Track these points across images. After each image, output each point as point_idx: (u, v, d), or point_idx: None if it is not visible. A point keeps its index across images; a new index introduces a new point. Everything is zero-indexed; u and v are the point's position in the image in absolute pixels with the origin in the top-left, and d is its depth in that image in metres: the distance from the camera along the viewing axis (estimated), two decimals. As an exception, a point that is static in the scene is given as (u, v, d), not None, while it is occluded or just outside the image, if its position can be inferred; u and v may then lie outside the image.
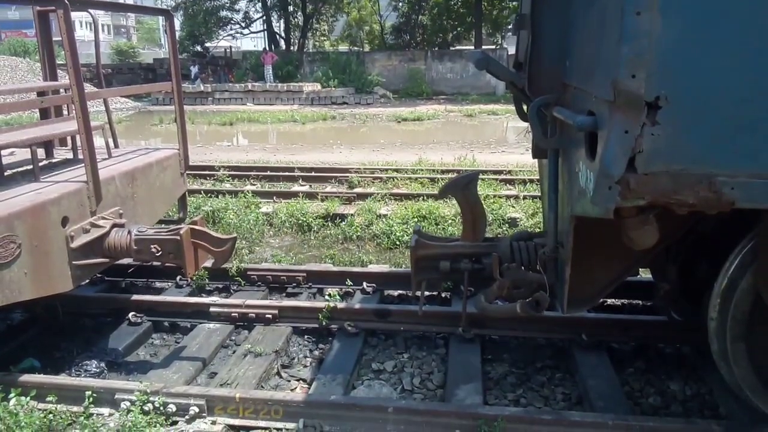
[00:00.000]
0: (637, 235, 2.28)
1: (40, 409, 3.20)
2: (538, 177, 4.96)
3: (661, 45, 1.87)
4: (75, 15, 4.08)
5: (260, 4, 35.07)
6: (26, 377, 3.44)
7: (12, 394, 3.19)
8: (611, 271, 2.90)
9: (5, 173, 3.89)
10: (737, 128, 1.92)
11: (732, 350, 2.68)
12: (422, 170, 10.32)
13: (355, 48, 35.30)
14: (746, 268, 2.59)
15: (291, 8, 35.18)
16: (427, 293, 4.71)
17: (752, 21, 1.86)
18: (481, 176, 9.41)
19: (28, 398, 3.18)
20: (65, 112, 4.59)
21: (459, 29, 34.35)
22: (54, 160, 4.29)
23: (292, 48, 35.17)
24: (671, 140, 1.93)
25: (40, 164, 4.03)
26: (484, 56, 2.99)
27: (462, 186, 3.24)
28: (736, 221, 2.54)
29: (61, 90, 4.64)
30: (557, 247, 2.94)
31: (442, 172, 10.19)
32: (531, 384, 3.70)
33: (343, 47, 36.70)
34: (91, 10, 4.34)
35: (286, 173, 10.49)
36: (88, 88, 5.35)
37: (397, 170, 10.46)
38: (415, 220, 7.11)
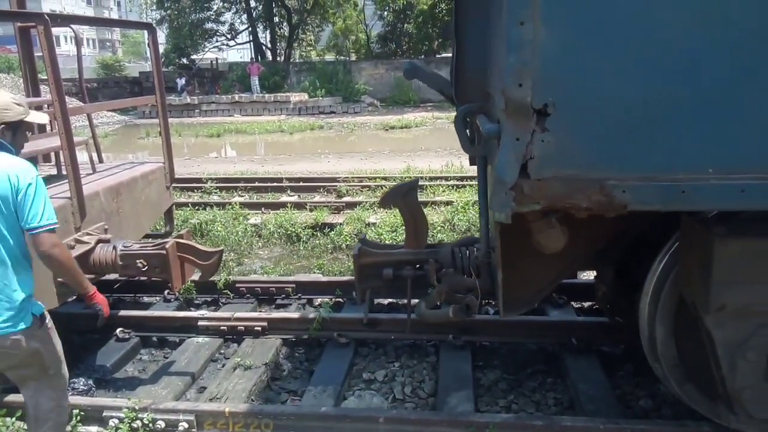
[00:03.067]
0: (543, 239, 2.31)
1: (26, 430, 3.15)
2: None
3: (546, 54, 1.91)
4: (59, 30, 4.06)
5: (246, 15, 35.04)
6: (12, 397, 3.38)
7: (-3, 415, 3.15)
8: (546, 274, 2.93)
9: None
10: (624, 133, 1.96)
11: (661, 349, 2.77)
12: (410, 178, 10.33)
13: (342, 57, 35.34)
14: (671, 270, 2.67)
15: (276, 19, 35.20)
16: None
17: (631, 29, 1.90)
18: (466, 183, 9.45)
19: (14, 418, 3.14)
20: (48, 128, 4.55)
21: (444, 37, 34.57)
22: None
23: (278, 58, 35.19)
24: (561, 146, 1.97)
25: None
26: (412, 66, 3.07)
27: (402, 194, 3.28)
28: (666, 223, 2.60)
29: (44, 105, 4.61)
30: (489, 252, 2.98)
31: (431, 179, 10.21)
32: (522, 390, 3.69)
33: (329, 57, 36.75)
34: (73, 26, 4.32)
35: (275, 184, 10.47)
36: (72, 103, 5.32)
37: (385, 178, 10.48)
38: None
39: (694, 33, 1.89)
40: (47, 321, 2.67)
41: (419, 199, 3.50)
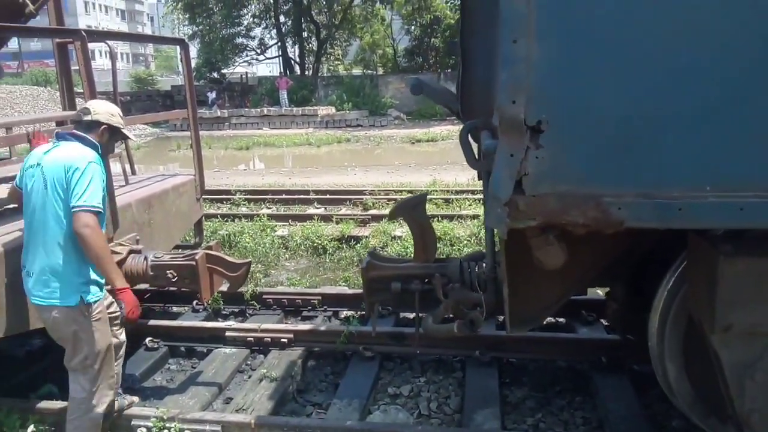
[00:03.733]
0: (541, 255, 2.29)
1: (57, 437, 3.21)
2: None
3: (539, 71, 1.89)
4: (94, 45, 4.17)
5: (275, 30, 35.61)
6: (44, 404, 3.45)
7: (30, 421, 3.21)
8: (554, 290, 2.88)
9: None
10: (619, 149, 1.92)
11: (670, 368, 2.73)
12: (436, 191, 10.31)
13: (369, 71, 35.61)
14: (680, 288, 2.62)
15: (305, 34, 35.65)
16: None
17: (626, 46, 1.88)
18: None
19: (46, 425, 3.19)
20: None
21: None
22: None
23: (306, 72, 35.60)
24: (556, 162, 1.94)
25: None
26: (417, 81, 3.07)
27: (411, 207, 3.26)
28: (675, 240, 2.54)
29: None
30: (495, 267, 2.95)
31: (456, 192, 10.18)
32: (550, 408, 3.63)
33: (356, 71, 37.05)
34: (108, 41, 4.44)
35: (302, 196, 10.55)
36: (107, 116, 5.43)
37: (411, 191, 10.46)
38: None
39: (690, 49, 1.86)
40: (95, 312, 2.82)
41: (429, 213, 3.48)
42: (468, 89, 3.01)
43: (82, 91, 4.22)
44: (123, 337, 3.39)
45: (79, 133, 2.90)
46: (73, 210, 2.68)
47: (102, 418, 2.97)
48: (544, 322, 4.72)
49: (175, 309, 5.28)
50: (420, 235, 3.26)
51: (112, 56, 4.66)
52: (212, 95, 30.74)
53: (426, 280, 3.27)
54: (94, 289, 2.86)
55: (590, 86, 1.90)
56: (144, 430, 3.27)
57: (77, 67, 3.89)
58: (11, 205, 3.90)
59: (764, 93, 1.84)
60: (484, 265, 3.14)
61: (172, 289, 4.23)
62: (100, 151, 2.92)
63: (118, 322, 3.18)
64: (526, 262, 2.44)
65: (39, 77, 34.20)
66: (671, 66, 1.87)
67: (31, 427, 3.16)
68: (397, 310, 4.77)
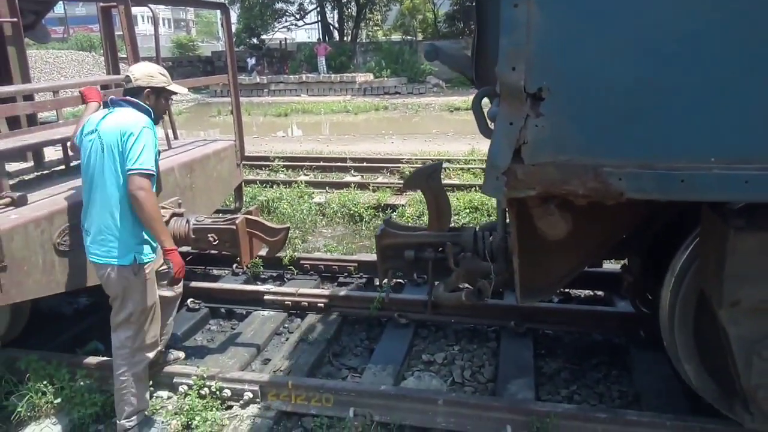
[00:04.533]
0: (543, 225, 2.28)
1: (103, 390, 3.35)
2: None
3: (540, 37, 1.83)
4: (136, 10, 4.21)
5: (314, -6, 35.40)
6: (91, 359, 3.61)
7: (78, 375, 3.35)
8: (565, 261, 2.85)
9: (70, 164, 4.07)
10: (622, 119, 1.87)
11: (680, 342, 2.72)
12: (474, 160, 10.20)
13: (408, 37, 35.08)
14: (692, 263, 2.60)
15: (344, -1, 35.34)
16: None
17: (629, 11, 1.80)
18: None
19: (92, 379, 3.34)
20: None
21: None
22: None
23: (345, 39, 35.32)
24: (556, 131, 1.90)
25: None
26: (432, 47, 3.02)
27: (426, 176, 3.25)
28: (690, 213, 2.51)
29: (123, 83, 4.80)
30: (505, 237, 2.93)
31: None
32: (585, 380, 3.61)
33: (395, 37, 36.55)
34: (151, 5, 4.47)
35: (339, 164, 10.57)
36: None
37: (449, 160, 10.37)
38: (467, 211, 7.05)
39: (697, 15, 1.78)
40: (146, 273, 2.97)
41: (466, 182, 3.46)
42: (482, 55, 2.96)
43: (125, 56, 4.28)
44: (179, 290, 3.57)
45: (130, 98, 3.00)
46: (128, 173, 2.81)
47: (145, 372, 3.10)
48: (582, 295, 4.70)
49: (215, 272, 5.41)
50: (434, 203, 3.26)
51: (155, 21, 4.70)
52: (252, 61, 30.81)
53: (440, 248, 3.31)
54: (147, 250, 2.99)
55: (592, 54, 1.85)
56: (185, 387, 3.39)
57: (121, 32, 3.94)
58: (59, 167, 4.02)
59: None
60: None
61: (212, 252, 4.31)
62: (153, 114, 3.03)
63: (166, 280, 3.34)
64: (536, 232, 2.44)
65: (84, 42, 34.78)
66: (677, 34, 1.80)
67: (79, 381, 3.30)
68: (410, 278, 4.84)
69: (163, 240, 2.95)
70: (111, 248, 2.87)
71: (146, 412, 3.14)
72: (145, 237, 2.98)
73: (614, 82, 1.85)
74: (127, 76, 3.03)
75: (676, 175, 1.87)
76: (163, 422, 3.15)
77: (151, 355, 3.12)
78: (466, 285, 3.22)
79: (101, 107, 3.15)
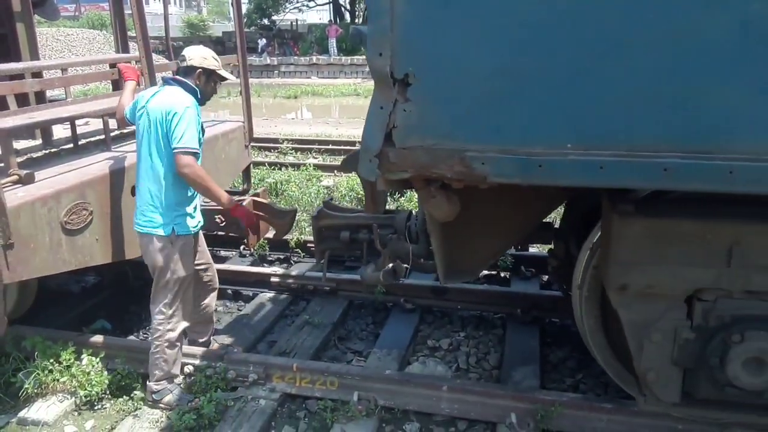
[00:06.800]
0: (429, 207, 2.32)
1: (109, 369, 3.37)
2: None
3: (405, 23, 1.87)
4: (146, -12, 4.15)
5: (326, -25, 35.03)
6: (97, 338, 3.63)
7: (84, 354, 3.37)
8: (489, 244, 2.95)
9: (79, 143, 4.06)
10: (483, 105, 1.92)
11: (587, 324, 2.82)
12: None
13: (421, 20, 34.75)
14: (598, 248, 2.65)
15: (356, -20, 34.96)
16: (485, 272, 4.67)
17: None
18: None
19: (98, 358, 3.36)
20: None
21: None
22: (125, 131, 4.43)
23: (356, 20, 35.00)
24: (423, 116, 1.95)
25: (112, 134, 4.18)
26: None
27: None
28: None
29: (133, 62, 4.78)
30: (425, 219, 2.95)
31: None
32: (591, 370, 3.58)
33: (408, 19, 36.22)
34: (161, -16, 4.41)
35: (348, 147, 10.51)
36: (159, 60, 5.49)
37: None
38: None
39: (549, 3, 1.81)
40: (182, 244, 3.13)
41: None
42: None
43: (135, 35, 4.24)
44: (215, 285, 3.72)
45: (180, 78, 3.13)
46: (174, 151, 2.95)
47: (180, 340, 3.26)
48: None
49: (222, 253, 5.41)
50: (369, 186, 3.26)
51: (165, 0, 4.66)
52: (262, 42, 30.63)
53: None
54: (186, 222, 3.15)
55: (454, 41, 1.88)
56: (191, 368, 3.40)
57: (131, 11, 3.90)
58: (68, 146, 4.02)
59: (627, 53, 1.78)
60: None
61: (219, 233, 4.31)
62: (200, 95, 3.16)
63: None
64: (463, 214, 2.47)
65: (95, 21, 34.65)
66: (534, 20, 1.83)
67: (85, 360, 3.31)
68: (347, 258, 4.95)
69: (223, 202, 3.17)
70: (152, 218, 3.05)
71: (176, 380, 3.27)
72: (186, 210, 3.14)
73: (474, 69, 1.89)
74: (182, 55, 3.15)
75: (534, 161, 1.92)
76: (188, 396, 3.22)
77: (183, 324, 3.25)
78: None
79: (139, 85, 3.36)
